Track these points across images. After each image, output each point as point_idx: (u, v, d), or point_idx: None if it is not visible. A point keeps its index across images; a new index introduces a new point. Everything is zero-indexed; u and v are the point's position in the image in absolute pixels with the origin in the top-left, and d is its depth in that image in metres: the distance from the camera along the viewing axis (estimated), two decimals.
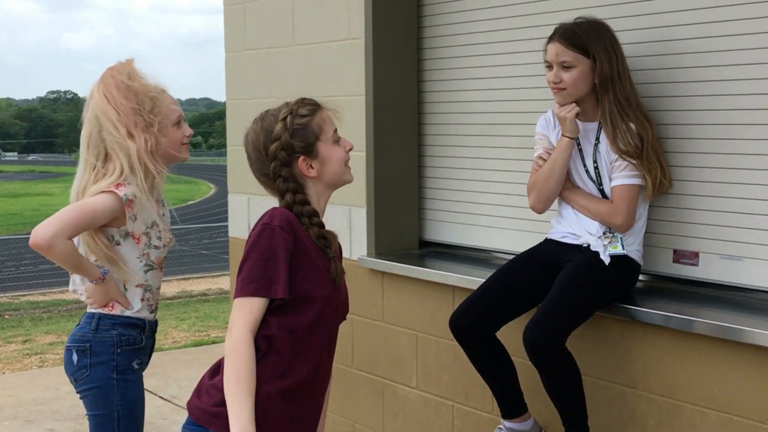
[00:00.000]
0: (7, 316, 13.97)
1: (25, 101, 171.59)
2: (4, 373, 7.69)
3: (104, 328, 2.97)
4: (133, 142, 2.92)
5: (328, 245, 2.45)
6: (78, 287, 3.08)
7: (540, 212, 3.28)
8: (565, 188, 3.20)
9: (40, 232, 2.74)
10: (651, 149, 3.04)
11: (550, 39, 3.13)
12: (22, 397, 6.12)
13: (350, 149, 2.53)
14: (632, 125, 3.03)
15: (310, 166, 2.45)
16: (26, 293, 17.01)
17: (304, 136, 2.44)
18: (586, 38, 3.06)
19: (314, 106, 2.50)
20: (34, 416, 5.65)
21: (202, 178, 62.73)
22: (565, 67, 3.08)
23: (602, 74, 3.05)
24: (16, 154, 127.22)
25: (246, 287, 2.31)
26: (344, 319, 2.58)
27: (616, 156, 3.06)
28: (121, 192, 2.87)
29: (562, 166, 3.16)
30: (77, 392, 3.08)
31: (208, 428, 2.36)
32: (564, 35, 3.09)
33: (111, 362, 2.96)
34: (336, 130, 2.51)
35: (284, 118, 2.45)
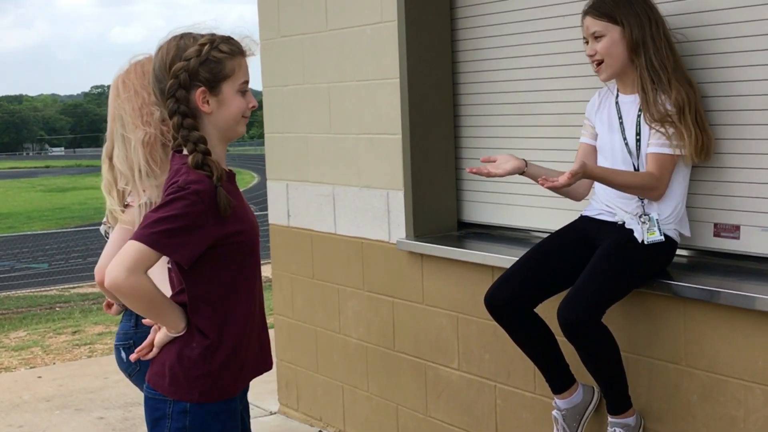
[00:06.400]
0: (57, 308, 14.21)
1: (70, 96, 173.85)
2: (54, 363, 7.82)
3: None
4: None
5: (209, 173, 2.33)
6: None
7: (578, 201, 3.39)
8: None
9: None
10: (691, 114, 3.00)
11: (583, 14, 3.13)
12: (72, 386, 6.23)
13: (253, 107, 2.47)
14: (666, 92, 3.00)
15: (207, 101, 2.37)
16: (76, 285, 17.31)
17: (213, 70, 2.37)
18: (614, 6, 3.05)
19: (237, 49, 2.42)
20: (84, 405, 5.74)
21: (245, 167, 63.16)
22: (597, 37, 3.08)
23: (630, 40, 3.03)
24: (62, 148, 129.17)
25: None
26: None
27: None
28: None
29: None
30: (137, 386, 3.14)
31: (158, 390, 2.44)
32: (593, 6, 3.10)
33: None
34: (247, 82, 2.45)
35: (202, 44, 2.37)
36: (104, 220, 3.13)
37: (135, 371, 3.04)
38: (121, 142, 2.99)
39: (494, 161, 3.16)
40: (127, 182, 2.95)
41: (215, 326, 2.39)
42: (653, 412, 3.19)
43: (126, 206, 2.94)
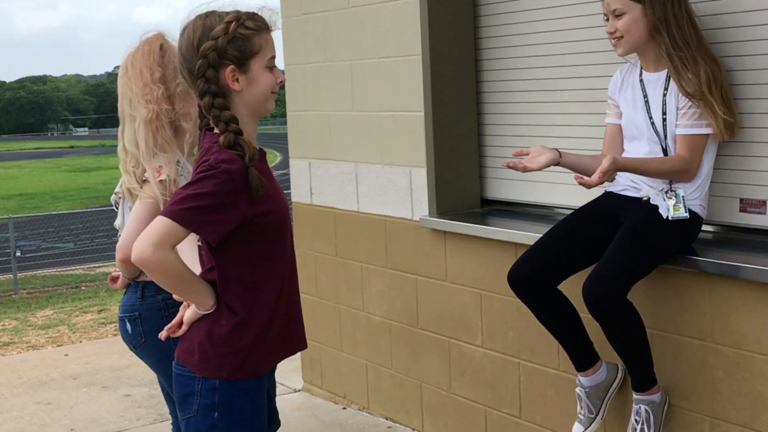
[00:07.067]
0: (83, 287, 14.33)
1: (93, 77, 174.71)
2: (81, 341, 7.90)
3: (149, 295, 3.02)
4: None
5: (241, 153, 2.33)
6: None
7: None
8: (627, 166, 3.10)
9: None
10: (717, 90, 2.96)
11: None
12: (98, 364, 6.29)
13: (281, 82, 2.46)
14: (693, 70, 2.96)
15: (236, 79, 2.37)
16: (101, 264, 17.41)
17: (241, 47, 2.36)
18: None
19: (263, 25, 2.41)
20: (111, 382, 5.80)
21: (267, 146, 63.24)
22: (617, 15, 3.04)
23: (652, 17, 2.99)
24: (86, 129, 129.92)
25: None
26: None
27: (684, 102, 3.00)
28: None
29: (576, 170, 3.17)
30: (142, 359, 3.16)
31: (186, 366, 2.45)
32: None
33: (162, 327, 3.01)
34: (274, 58, 2.44)
35: (228, 22, 2.36)
36: (116, 190, 3.15)
37: (140, 343, 3.05)
38: (129, 121, 3.01)
39: (527, 154, 3.11)
40: (135, 162, 2.97)
41: (245, 304, 2.40)
42: (678, 389, 3.18)
43: (144, 182, 2.95)
